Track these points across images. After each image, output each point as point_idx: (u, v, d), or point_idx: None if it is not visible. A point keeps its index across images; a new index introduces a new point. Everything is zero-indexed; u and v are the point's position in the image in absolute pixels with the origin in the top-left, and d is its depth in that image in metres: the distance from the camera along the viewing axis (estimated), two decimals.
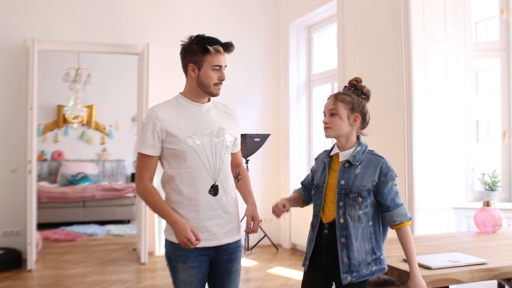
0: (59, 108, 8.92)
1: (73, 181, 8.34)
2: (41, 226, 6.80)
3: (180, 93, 2.27)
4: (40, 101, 6.08)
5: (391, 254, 2.35)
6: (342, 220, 2.08)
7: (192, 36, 2.19)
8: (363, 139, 2.20)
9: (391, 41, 4.18)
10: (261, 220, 2.34)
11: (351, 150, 2.15)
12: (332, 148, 2.23)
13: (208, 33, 2.22)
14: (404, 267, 2.11)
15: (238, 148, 2.39)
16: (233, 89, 5.64)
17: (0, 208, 5.27)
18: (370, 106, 2.17)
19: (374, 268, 2.08)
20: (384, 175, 2.08)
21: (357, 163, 2.10)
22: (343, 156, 2.16)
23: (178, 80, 2.50)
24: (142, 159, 2.17)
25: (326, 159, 2.21)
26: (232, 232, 2.23)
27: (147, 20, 5.81)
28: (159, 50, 5.57)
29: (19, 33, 5.33)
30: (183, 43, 2.21)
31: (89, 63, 8.25)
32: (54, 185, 8.34)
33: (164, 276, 4.71)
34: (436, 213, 3.92)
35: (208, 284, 2.28)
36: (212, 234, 2.17)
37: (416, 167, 3.87)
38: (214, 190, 2.16)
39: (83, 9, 5.59)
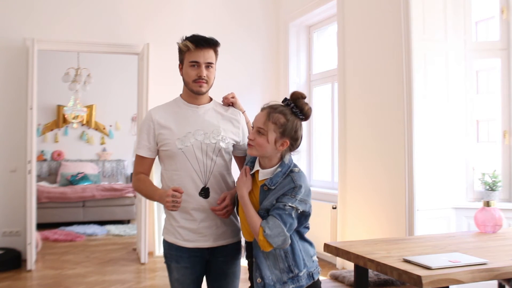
0: (59, 108, 8.92)
1: (73, 181, 8.33)
2: (40, 226, 6.79)
3: (180, 94, 2.27)
4: (40, 101, 6.08)
5: (391, 254, 2.34)
6: (252, 239, 2.04)
7: (184, 36, 2.18)
8: (288, 158, 2.05)
9: (391, 41, 4.17)
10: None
11: (271, 170, 2.02)
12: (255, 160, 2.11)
13: (207, 33, 2.21)
14: (404, 267, 2.10)
15: (245, 152, 2.30)
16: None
17: (0, 208, 5.26)
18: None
19: (290, 286, 2.01)
20: (283, 195, 1.95)
21: (273, 187, 1.98)
22: (263, 175, 2.04)
23: (178, 80, 2.49)
24: (138, 159, 2.25)
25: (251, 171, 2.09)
26: (227, 235, 2.22)
27: (147, 20, 5.80)
28: (159, 50, 5.56)
29: (19, 33, 5.33)
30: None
31: (89, 63, 8.25)
32: (54, 185, 8.32)
33: (164, 276, 4.70)
34: (436, 213, 3.92)
35: (207, 285, 2.28)
36: (204, 236, 2.16)
37: (416, 167, 3.86)
38: (204, 193, 2.14)
39: (83, 9, 5.59)
